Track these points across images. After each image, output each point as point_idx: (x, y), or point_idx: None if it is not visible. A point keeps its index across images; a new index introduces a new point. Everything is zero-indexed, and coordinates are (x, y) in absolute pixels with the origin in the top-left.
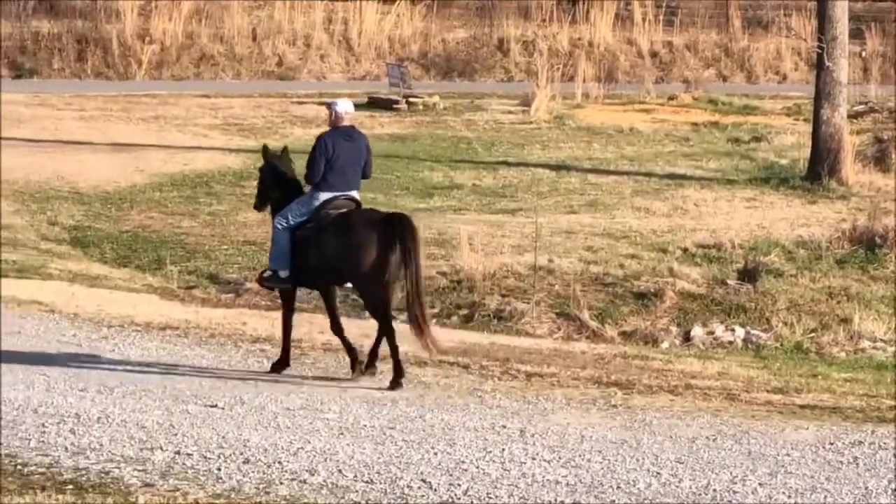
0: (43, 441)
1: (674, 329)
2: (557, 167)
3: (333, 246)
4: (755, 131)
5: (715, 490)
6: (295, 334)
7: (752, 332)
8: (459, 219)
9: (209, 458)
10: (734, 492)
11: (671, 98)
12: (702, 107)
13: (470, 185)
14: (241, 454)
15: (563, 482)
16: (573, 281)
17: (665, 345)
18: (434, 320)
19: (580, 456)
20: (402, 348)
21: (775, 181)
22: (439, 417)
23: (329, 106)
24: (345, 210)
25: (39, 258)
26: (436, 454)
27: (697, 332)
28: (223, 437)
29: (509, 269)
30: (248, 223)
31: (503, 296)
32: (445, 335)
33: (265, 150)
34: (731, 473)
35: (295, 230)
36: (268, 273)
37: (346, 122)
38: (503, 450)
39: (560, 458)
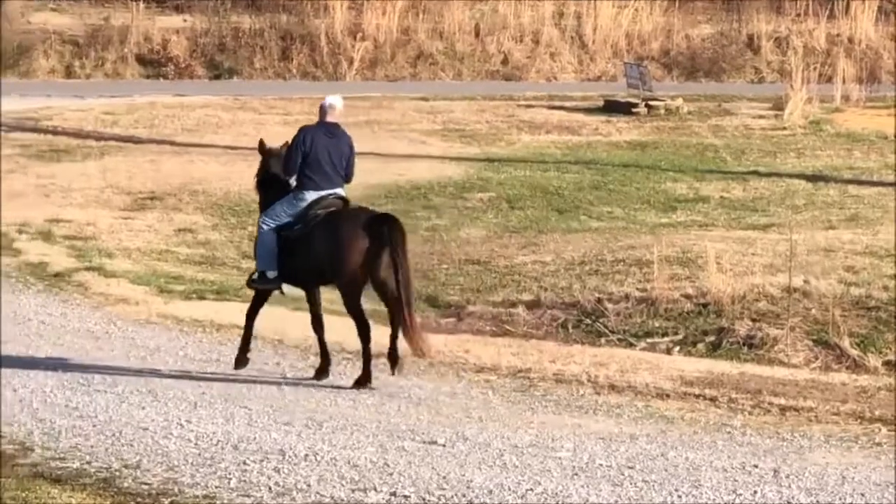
0: (244, 480)
1: None
2: (814, 178)
3: (322, 245)
4: None
5: None
6: (521, 363)
7: None
8: (705, 235)
9: (428, 500)
10: None
11: None
12: None
13: (717, 197)
14: (464, 496)
15: None
16: (832, 305)
17: None
18: (678, 348)
19: (840, 499)
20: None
21: None
22: (683, 456)
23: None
24: (333, 209)
25: (240, 278)
26: (679, 496)
27: None
28: (444, 477)
29: (761, 291)
30: (470, 240)
31: (754, 321)
32: (689, 364)
33: (262, 146)
34: None
35: (281, 230)
36: (255, 275)
37: (330, 118)
38: (755, 492)
39: (818, 501)
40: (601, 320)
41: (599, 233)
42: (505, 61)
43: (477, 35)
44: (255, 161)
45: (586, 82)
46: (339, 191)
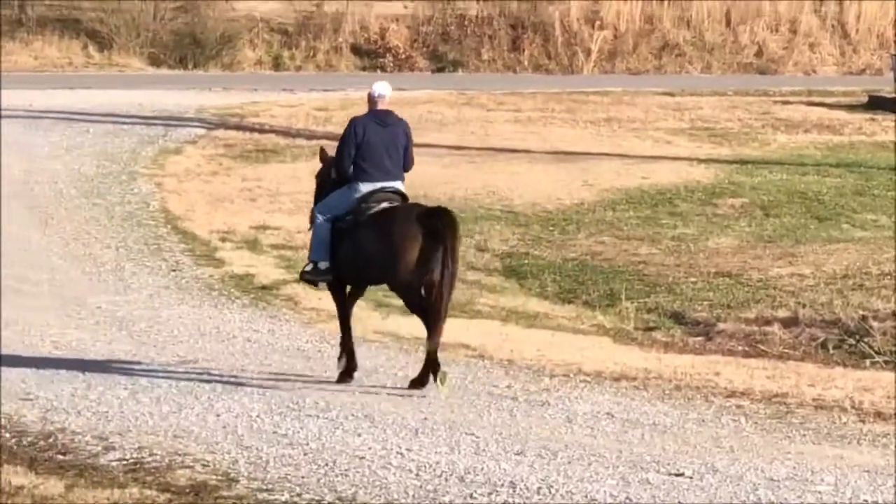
0: None
1: None
2: None
3: (373, 244)
4: None
5: None
6: (777, 387)
7: None
8: None
9: None
10: None
11: None
12: None
13: None
14: None
15: None
16: None
17: None
18: None
19: None
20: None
21: None
22: None
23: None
24: (386, 205)
25: (466, 292)
26: None
27: None
28: None
29: None
30: (720, 250)
31: None
32: None
33: (322, 154)
34: None
35: (335, 221)
36: (308, 266)
37: (381, 106)
38: None
39: None
40: (866, 340)
41: (864, 243)
42: (759, 53)
43: (728, 24)
44: (483, 162)
45: (849, 76)
46: (397, 184)
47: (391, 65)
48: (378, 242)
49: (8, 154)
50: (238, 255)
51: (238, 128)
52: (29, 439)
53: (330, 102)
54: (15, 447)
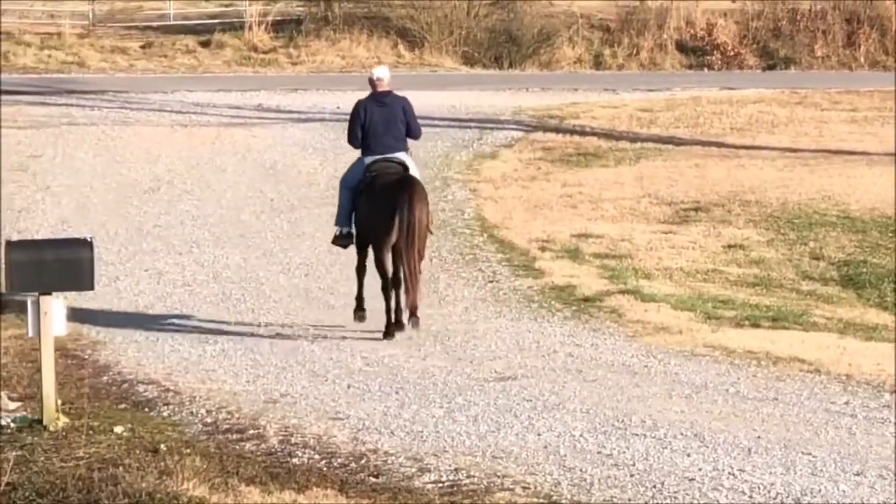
0: None
1: None
2: None
3: (363, 210)
4: None
5: None
6: None
7: None
8: None
9: None
10: None
11: None
12: None
13: None
14: None
15: None
16: None
17: None
18: None
19: None
20: None
21: None
22: None
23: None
24: (376, 174)
25: (800, 302)
26: None
27: None
28: None
29: None
30: None
31: None
32: None
33: None
34: None
35: (353, 190)
36: (337, 231)
37: (382, 88)
38: None
39: None
40: None
41: None
42: None
43: None
44: (818, 165)
45: None
46: (399, 155)
47: (719, 62)
48: (365, 208)
49: (314, 159)
50: (559, 264)
51: (557, 130)
52: (339, 461)
53: (654, 103)
54: (325, 469)
